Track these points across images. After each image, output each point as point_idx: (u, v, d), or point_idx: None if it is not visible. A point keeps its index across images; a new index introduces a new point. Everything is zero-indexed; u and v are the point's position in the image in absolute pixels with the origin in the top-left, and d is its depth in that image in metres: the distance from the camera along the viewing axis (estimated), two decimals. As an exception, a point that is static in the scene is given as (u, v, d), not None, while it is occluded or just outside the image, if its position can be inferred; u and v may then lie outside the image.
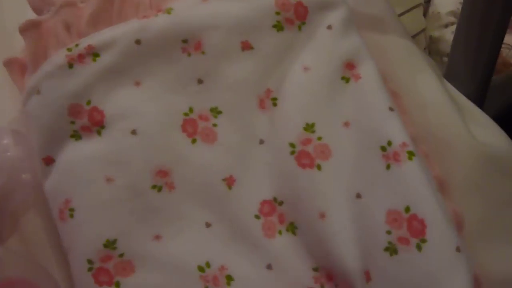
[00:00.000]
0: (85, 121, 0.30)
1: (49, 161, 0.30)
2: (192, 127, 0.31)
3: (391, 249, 0.26)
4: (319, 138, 0.30)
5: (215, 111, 0.31)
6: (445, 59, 0.78)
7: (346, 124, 0.30)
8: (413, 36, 0.72)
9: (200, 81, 0.32)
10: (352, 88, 0.31)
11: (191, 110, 0.31)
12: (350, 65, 0.32)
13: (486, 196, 0.33)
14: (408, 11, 0.73)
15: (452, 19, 0.78)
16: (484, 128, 0.36)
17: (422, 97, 0.35)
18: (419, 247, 0.26)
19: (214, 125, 0.31)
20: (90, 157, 0.30)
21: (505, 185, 0.34)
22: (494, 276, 0.30)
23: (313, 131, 0.30)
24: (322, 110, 0.31)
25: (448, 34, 0.76)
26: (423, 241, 0.26)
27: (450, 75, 0.41)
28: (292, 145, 0.30)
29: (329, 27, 0.32)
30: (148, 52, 0.31)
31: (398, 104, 0.33)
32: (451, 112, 0.35)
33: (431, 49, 0.79)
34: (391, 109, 0.29)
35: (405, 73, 0.36)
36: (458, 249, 0.25)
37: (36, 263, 0.30)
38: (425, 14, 0.80)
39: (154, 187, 0.30)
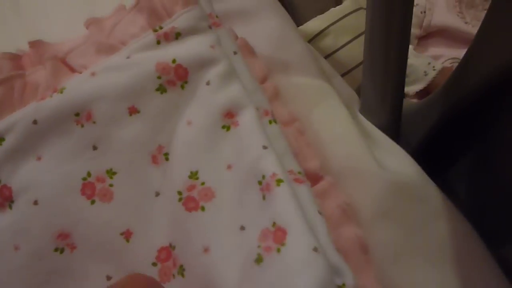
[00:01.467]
0: None
1: None
2: (90, 189, 0.34)
3: (259, 259, 0.28)
4: (203, 183, 0.32)
5: (111, 173, 0.34)
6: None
7: (229, 167, 0.33)
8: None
9: (95, 148, 0.35)
10: (232, 135, 0.33)
11: (89, 174, 0.34)
12: (230, 114, 0.34)
13: (397, 221, 0.34)
14: (355, 38, 0.75)
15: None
16: (393, 157, 0.37)
17: (330, 132, 0.38)
18: (278, 251, 0.28)
19: (111, 185, 0.34)
20: (1, 230, 0.33)
21: (415, 210, 0.35)
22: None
23: (197, 178, 0.33)
24: (204, 158, 0.33)
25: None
26: (283, 244, 0.28)
27: (364, 108, 0.42)
28: (179, 192, 0.33)
29: (208, 83, 0.35)
30: (45, 129, 0.34)
31: (302, 141, 0.35)
32: (358, 144, 0.37)
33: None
34: (264, 147, 0.32)
35: (315, 112, 0.38)
36: (315, 249, 0.27)
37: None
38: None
39: (56, 250, 0.32)
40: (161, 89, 0.35)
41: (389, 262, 0.33)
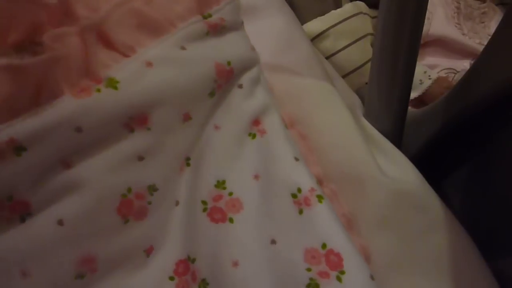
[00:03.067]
0: (6, 212, 0.26)
1: None
2: (127, 208, 0.29)
3: (313, 285, 0.27)
4: (230, 194, 0.31)
5: (152, 189, 0.30)
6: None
7: (256, 177, 0.31)
8: (361, 66, 0.74)
9: (140, 158, 0.29)
10: (258, 143, 0.32)
11: (129, 190, 0.29)
12: (256, 122, 0.33)
13: (396, 230, 0.34)
14: (354, 42, 0.75)
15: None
16: (396, 164, 0.37)
17: (333, 136, 0.37)
18: (339, 279, 0.27)
19: (149, 202, 0.30)
20: (9, 250, 0.26)
21: (416, 219, 0.35)
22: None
23: (224, 188, 0.31)
24: (232, 166, 0.31)
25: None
26: (342, 272, 0.27)
27: (368, 113, 0.42)
28: (204, 202, 0.31)
29: (240, 86, 0.33)
30: (89, 137, 0.27)
31: (304, 146, 0.34)
32: (361, 150, 0.36)
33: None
34: (296, 159, 0.31)
35: (318, 114, 0.38)
36: (372, 277, 0.27)
37: None
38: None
39: (76, 277, 0.27)
40: (212, 93, 0.32)
41: (387, 270, 0.33)
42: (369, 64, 0.77)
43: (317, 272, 0.27)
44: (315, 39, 0.78)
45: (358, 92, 0.57)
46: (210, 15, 0.33)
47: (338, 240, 0.28)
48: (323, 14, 0.80)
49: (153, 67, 0.29)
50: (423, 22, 0.36)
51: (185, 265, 0.30)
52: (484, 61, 0.36)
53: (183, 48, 0.31)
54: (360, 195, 0.34)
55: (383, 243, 0.33)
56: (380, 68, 0.39)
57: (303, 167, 0.31)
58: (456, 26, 0.78)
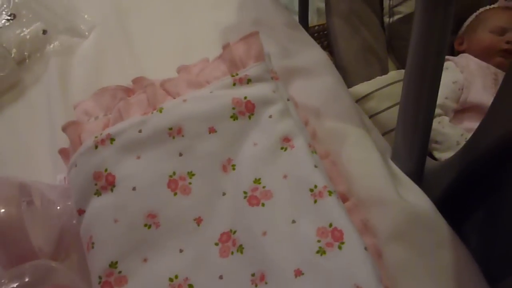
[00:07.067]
0: (103, 182, 0.44)
1: (81, 212, 0.44)
2: (174, 184, 0.44)
3: (321, 251, 0.37)
4: (264, 187, 0.43)
5: (190, 174, 0.45)
6: (435, 145, 0.88)
7: (285, 176, 0.43)
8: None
9: (180, 154, 0.45)
10: (288, 154, 0.44)
11: (174, 173, 0.45)
12: (286, 139, 0.45)
13: (409, 242, 0.42)
14: (396, 104, 0.85)
15: (439, 111, 0.88)
16: (412, 193, 0.46)
17: (361, 167, 0.47)
18: (340, 247, 0.37)
19: (190, 183, 0.44)
20: (104, 207, 0.43)
21: (426, 236, 0.43)
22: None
23: (260, 183, 0.43)
24: (266, 169, 0.43)
25: (435, 124, 0.87)
26: (342, 243, 0.37)
27: (394, 156, 0.51)
28: (245, 192, 0.43)
29: (270, 116, 0.46)
30: (146, 137, 0.45)
31: (335, 170, 0.45)
32: (385, 180, 0.46)
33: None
34: (315, 166, 0.42)
35: (351, 151, 0.48)
36: (365, 249, 0.37)
37: (77, 277, 0.42)
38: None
39: (145, 225, 0.42)
40: (234, 116, 0.46)
41: (399, 274, 0.40)
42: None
43: (325, 243, 0.38)
44: (361, 99, 0.90)
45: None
46: (236, 74, 0.49)
47: (341, 221, 0.38)
48: (370, 79, 0.91)
49: (187, 101, 0.47)
50: (438, 87, 0.46)
51: (228, 236, 0.42)
52: (489, 117, 0.45)
53: (211, 92, 0.48)
54: (380, 211, 0.43)
55: (398, 253, 0.41)
56: (405, 121, 0.49)
57: (320, 172, 0.41)
58: (492, 95, 0.85)
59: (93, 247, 0.41)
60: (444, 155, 0.83)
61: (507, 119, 0.43)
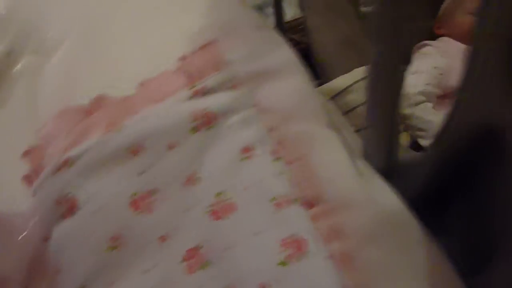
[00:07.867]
0: (66, 207, 0.43)
1: (46, 239, 0.44)
2: (136, 204, 0.44)
3: (284, 263, 0.38)
4: (227, 200, 0.42)
5: (153, 192, 0.45)
6: (419, 133, 0.87)
7: (246, 188, 0.43)
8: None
9: (142, 173, 0.45)
10: (249, 164, 0.44)
11: (135, 193, 0.45)
12: (246, 150, 0.44)
13: (380, 242, 0.42)
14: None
15: (421, 98, 0.87)
16: (381, 192, 0.45)
17: (329, 170, 0.46)
18: (302, 258, 0.38)
19: (153, 201, 0.44)
20: (69, 232, 0.44)
21: (397, 235, 0.43)
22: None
23: (223, 196, 0.43)
24: (228, 182, 0.43)
25: (418, 111, 0.86)
26: (305, 253, 0.38)
27: (365, 153, 0.50)
28: (209, 206, 0.43)
29: (230, 127, 0.46)
30: (106, 158, 0.45)
31: (302, 176, 0.44)
32: (353, 180, 0.45)
33: (405, 124, 0.88)
34: (279, 174, 0.42)
35: (318, 154, 0.47)
36: (330, 257, 0.38)
37: None
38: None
39: (110, 248, 0.43)
40: (194, 130, 0.46)
41: (374, 276, 0.39)
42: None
43: (288, 254, 0.38)
44: (341, 92, 0.88)
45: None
46: (194, 86, 0.48)
47: (304, 230, 0.39)
48: (349, 71, 0.90)
49: (145, 118, 0.47)
50: (401, 84, 0.45)
51: (194, 251, 0.42)
52: (455, 104, 0.44)
53: (169, 107, 0.47)
54: (350, 214, 0.43)
55: (371, 254, 0.41)
56: (369, 116, 0.48)
57: (282, 180, 0.42)
58: (473, 78, 0.84)
59: (60, 273, 0.41)
60: (428, 142, 0.82)
61: (473, 108, 0.42)
